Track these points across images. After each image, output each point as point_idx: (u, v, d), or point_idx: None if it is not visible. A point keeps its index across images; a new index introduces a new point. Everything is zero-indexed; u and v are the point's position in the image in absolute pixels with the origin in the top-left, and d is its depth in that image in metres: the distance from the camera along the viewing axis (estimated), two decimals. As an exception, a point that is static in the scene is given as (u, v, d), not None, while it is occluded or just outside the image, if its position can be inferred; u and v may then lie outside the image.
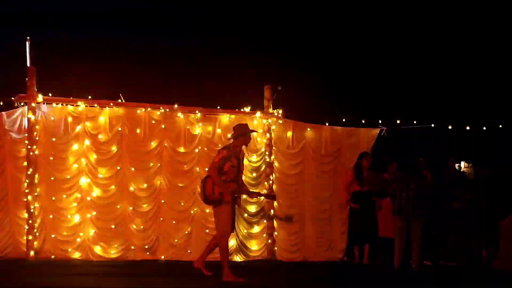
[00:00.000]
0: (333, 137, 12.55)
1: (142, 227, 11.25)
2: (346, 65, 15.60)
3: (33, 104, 10.82)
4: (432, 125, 12.59)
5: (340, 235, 12.37)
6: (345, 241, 12.21)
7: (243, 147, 9.49)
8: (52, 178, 10.88)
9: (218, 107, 12.01)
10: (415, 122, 12.57)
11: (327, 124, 12.58)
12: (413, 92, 15.56)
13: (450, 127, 12.57)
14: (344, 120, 12.63)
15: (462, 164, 16.50)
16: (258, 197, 10.99)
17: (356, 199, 11.68)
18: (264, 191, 11.68)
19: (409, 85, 15.94)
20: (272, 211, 12.05)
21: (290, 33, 16.08)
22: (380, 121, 12.63)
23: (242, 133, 9.23)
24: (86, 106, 11.13)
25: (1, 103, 10.82)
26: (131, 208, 11.28)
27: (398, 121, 12.55)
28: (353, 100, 14.66)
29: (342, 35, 16.24)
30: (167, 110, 11.53)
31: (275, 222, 12.10)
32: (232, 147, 9.18)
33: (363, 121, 12.66)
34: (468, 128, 12.59)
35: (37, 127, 10.85)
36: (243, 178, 10.03)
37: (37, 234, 10.73)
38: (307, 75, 14.78)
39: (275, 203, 12.07)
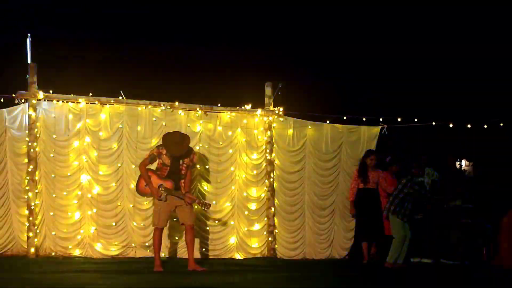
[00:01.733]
0: (334, 135, 12.56)
1: (142, 224, 11.22)
2: (347, 62, 15.56)
3: (33, 101, 10.80)
4: (433, 123, 12.57)
5: (342, 233, 12.43)
6: (348, 239, 12.32)
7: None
8: (52, 175, 10.86)
9: (219, 105, 11.99)
10: (416, 120, 12.55)
11: (328, 121, 12.59)
12: (415, 90, 15.50)
13: (451, 125, 12.54)
14: (345, 117, 12.64)
15: (463, 162, 16.49)
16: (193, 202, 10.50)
17: (360, 196, 11.62)
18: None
19: (411, 82, 15.91)
20: (272, 209, 12.07)
21: (291, 30, 16.07)
22: (381, 119, 12.65)
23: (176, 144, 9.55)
24: (86, 103, 11.10)
25: (2, 100, 10.80)
26: (131, 205, 11.25)
27: (399, 119, 12.54)
28: (354, 97, 14.61)
29: (344, 32, 16.23)
30: (168, 107, 11.50)
31: (275, 220, 12.11)
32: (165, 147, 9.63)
33: (364, 119, 12.67)
34: (469, 126, 12.57)
35: (37, 124, 10.82)
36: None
37: (38, 231, 10.71)
38: (308, 72, 14.79)
39: (276, 201, 12.12)
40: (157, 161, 9.69)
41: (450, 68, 16.19)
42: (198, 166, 11.60)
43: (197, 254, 11.36)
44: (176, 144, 9.55)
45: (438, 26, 16.54)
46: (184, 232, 10.10)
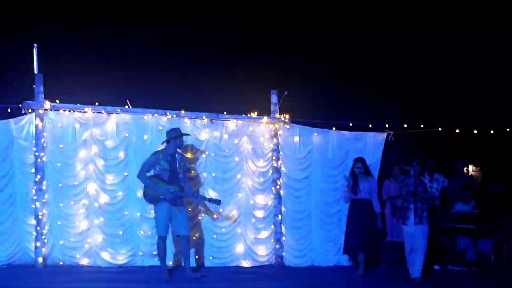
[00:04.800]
0: (340, 142, 12.50)
1: (150, 232, 11.15)
2: (352, 70, 15.58)
3: (40, 111, 10.81)
4: (439, 129, 12.54)
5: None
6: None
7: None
8: (60, 185, 10.86)
9: (225, 113, 11.96)
10: (422, 126, 12.51)
11: (334, 128, 12.55)
12: (420, 96, 15.51)
13: (457, 131, 12.52)
14: (351, 124, 12.59)
15: (470, 167, 16.50)
16: (203, 201, 11.02)
17: (352, 206, 11.27)
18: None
19: (416, 88, 15.89)
20: (279, 216, 12.04)
21: (296, 38, 16.08)
22: (387, 125, 12.60)
23: (173, 137, 10.16)
24: (93, 112, 11.12)
25: (9, 110, 10.77)
26: (138, 214, 11.23)
27: (405, 125, 12.49)
28: (360, 105, 14.61)
29: (348, 39, 16.23)
30: (174, 115, 11.50)
31: (282, 227, 12.06)
32: (161, 152, 10.19)
33: (370, 126, 12.63)
34: (475, 132, 12.57)
35: (44, 133, 10.83)
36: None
37: (45, 240, 10.72)
38: (313, 80, 14.79)
39: (283, 208, 12.09)
40: (156, 166, 10.11)
41: (456, 73, 16.16)
42: (204, 174, 11.64)
43: (204, 262, 11.52)
44: (175, 134, 10.18)
45: (442, 30, 16.56)
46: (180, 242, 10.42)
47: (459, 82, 16.15)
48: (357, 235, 11.02)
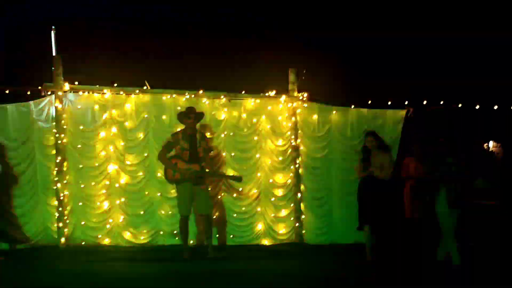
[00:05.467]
0: (359, 119, 12.47)
1: (170, 212, 11.31)
2: (372, 47, 15.49)
3: (59, 93, 10.94)
4: (459, 105, 12.43)
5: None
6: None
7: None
8: (80, 166, 10.99)
9: (243, 92, 12.01)
10: (441, 102, 12.42)
11: (352, 106, 12.52)
12: (440, 72, 15.37)
13: (477, 107, 12.41)
14: (369, 102, 12.56)
15: (491, 143, 16.35)
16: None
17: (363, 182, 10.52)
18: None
19: (436, 65, 15.75)
20: (299, 195, 12.10)
21: (314, 15, 16.01)
22: (406, 102, 12.50)
23: (183, 116, 10.35)
24: (112, 94, 11.21)
25: (29, 93, 10.92)
26: (159, 194, 11.35)
27: (424, 102, 12.40)
28: (379, 81, 14.51)
29: (367, 17, 16.15)
30: (192, 96, 11.56)
31: (302, 206, 12.14)
32: (180, 132, 10.34)
33: (389, 103, 12.56)
34: (496, 107, 12.43)
35: (64, 115, 10.96)
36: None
37: (67, 221, 10.88)
38: (331, 57, 14.68)
39: (302, 186, 12.15)
40: (176, 147, 10.23)
41: (475, 50, 16.01)
42: (224, 154, 11.72)
43: (225, 241, 11.64)
44: (185, 115, 10.31)
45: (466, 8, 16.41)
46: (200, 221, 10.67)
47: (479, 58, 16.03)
48: (368, 210, 10.35)
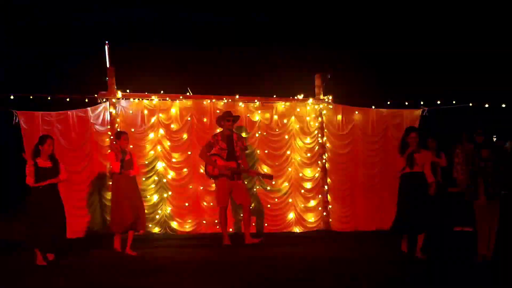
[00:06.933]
0: (379, 119, 13.07)
1: (212, 204, 11.94)
2: (390, 53, 15.48)
3: (113, 100, 11.71)
4: (470, 104, 12.71)
5: (391, 207, 11.90)
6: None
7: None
8: (132, 164, 11.70)
9: (274, 96, 12.67)
10: (454, 102, 12.76)
11: (373, 107, 13.10)
12: (453, 73, 15.14)
13: (487, 106, 12.63)
14: (388, 103, 13.12)
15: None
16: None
17: (406, 182, 9.46)
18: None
19: (449, 66, 15.56)
20: (326, 187, 12.75)
21: (337, 25, 16.09)
22: (421, 102, 13.01)
23: (221, 119, 10.85)
24: (159, 100, 11.95)
25: (86, 100, 11.63)
26: (201, 187, 12.09)
27: (438, 102, 12.84)
28: (396, 84, 14.63)
29: (387, 24, 16.15)
30: (230, 100, 12.29)
31: (329, 197, 12.74)
32: (219, 134, 10.83)
33: (406, 103, 13.10)
34: (503, 106, 12.56)
35: (117, 119, 11.72)
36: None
37: (122, 212, 11.54)
38: (354, 63, 14.82)
39: (329, 179, 12.77)
40: (215, 147, 10.78)
41: (489, 48, 15.45)
42: (258, 151, 12.40)
43: (261, 229, 12.23)
44: (223, 118, 10.84)
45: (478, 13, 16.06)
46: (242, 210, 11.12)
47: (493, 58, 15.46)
48: (411, 213, 9.27)
